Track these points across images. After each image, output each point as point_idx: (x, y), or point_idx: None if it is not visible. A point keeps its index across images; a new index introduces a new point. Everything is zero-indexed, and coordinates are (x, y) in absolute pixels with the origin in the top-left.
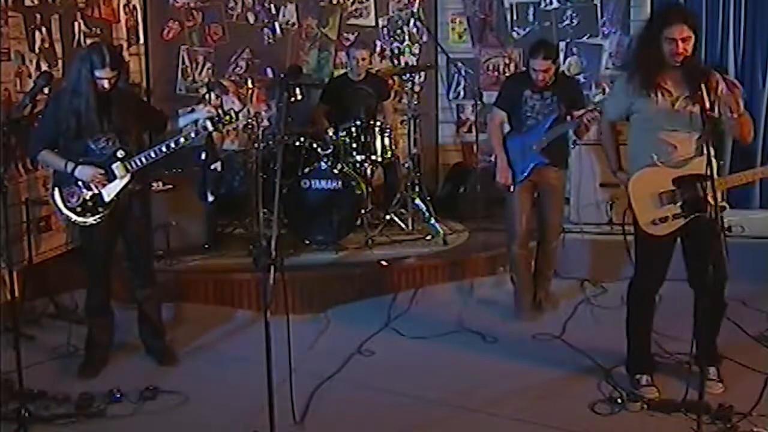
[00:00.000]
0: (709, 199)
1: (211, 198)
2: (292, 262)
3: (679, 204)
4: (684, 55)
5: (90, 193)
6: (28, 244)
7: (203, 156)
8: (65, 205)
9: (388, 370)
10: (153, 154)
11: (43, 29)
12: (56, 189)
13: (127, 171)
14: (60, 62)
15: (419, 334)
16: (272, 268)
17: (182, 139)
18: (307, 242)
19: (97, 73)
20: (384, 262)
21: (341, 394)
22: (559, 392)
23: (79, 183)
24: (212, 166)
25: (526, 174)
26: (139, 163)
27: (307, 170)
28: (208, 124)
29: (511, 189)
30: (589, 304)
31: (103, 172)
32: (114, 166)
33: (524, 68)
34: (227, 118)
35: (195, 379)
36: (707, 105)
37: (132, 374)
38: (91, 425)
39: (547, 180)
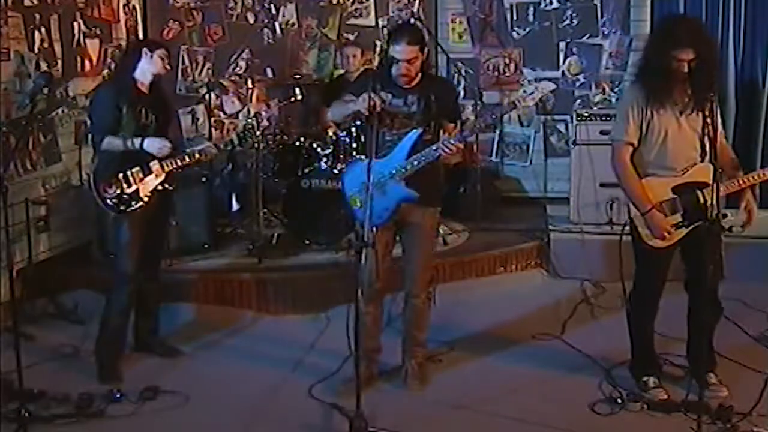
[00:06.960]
0: (709, 205)
1: (236, 206)
2: (292, 262)
3: (679, 213)
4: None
5: (129, 189)
6: (28, 244)
7: (230, 166)
8: (104, 196)
9: (387, 370)
10: (188, 159)
11: (43, 29)
12: (95, 180)
13: (163, 169)
14: (59, 62)
15: None
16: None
17: (220, 146)
18: (307, 242)
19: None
20: None
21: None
22: (559, 392)
23: (120, 176)
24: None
25: (387, 215)
26: (173, 164)
27: (307, 170)
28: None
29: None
30: (589, 304)
31: (170, 144)
32: (151, 162)
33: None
34: (249, 124)
35: (195, 379)
36: (714, 118)
37: (132, 374)
38: (91, 425)
39: (410, 219)
